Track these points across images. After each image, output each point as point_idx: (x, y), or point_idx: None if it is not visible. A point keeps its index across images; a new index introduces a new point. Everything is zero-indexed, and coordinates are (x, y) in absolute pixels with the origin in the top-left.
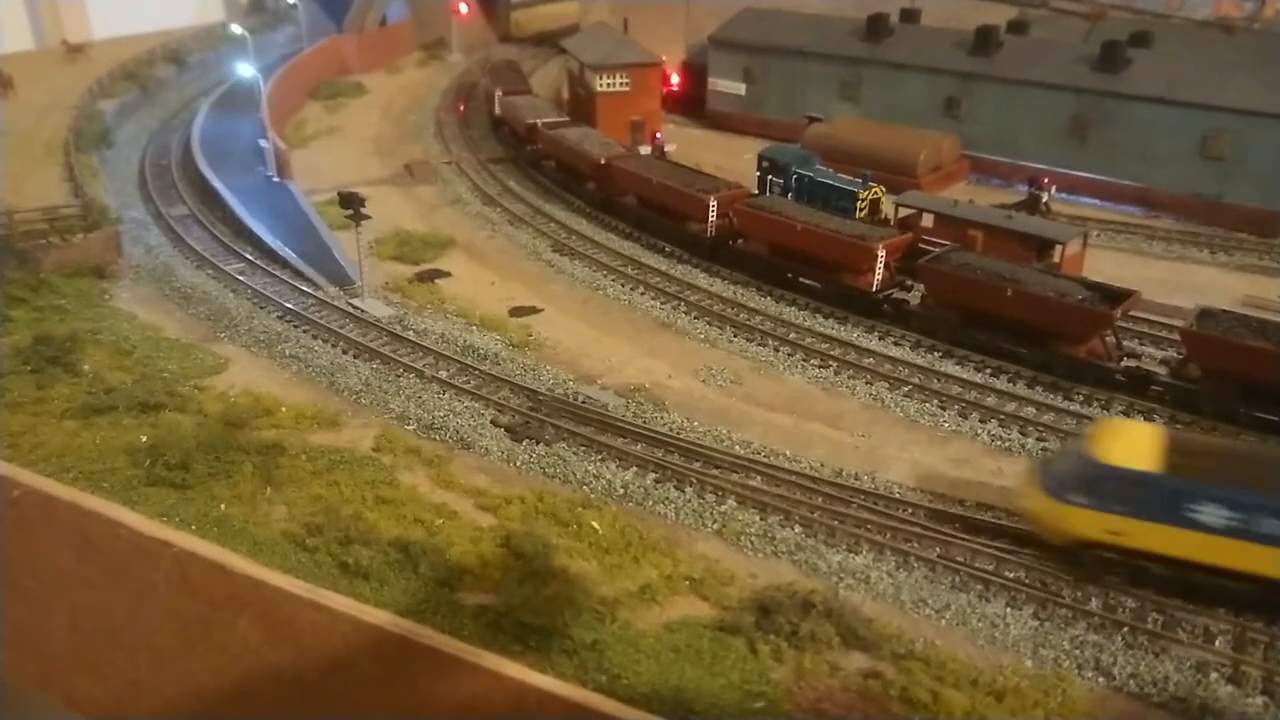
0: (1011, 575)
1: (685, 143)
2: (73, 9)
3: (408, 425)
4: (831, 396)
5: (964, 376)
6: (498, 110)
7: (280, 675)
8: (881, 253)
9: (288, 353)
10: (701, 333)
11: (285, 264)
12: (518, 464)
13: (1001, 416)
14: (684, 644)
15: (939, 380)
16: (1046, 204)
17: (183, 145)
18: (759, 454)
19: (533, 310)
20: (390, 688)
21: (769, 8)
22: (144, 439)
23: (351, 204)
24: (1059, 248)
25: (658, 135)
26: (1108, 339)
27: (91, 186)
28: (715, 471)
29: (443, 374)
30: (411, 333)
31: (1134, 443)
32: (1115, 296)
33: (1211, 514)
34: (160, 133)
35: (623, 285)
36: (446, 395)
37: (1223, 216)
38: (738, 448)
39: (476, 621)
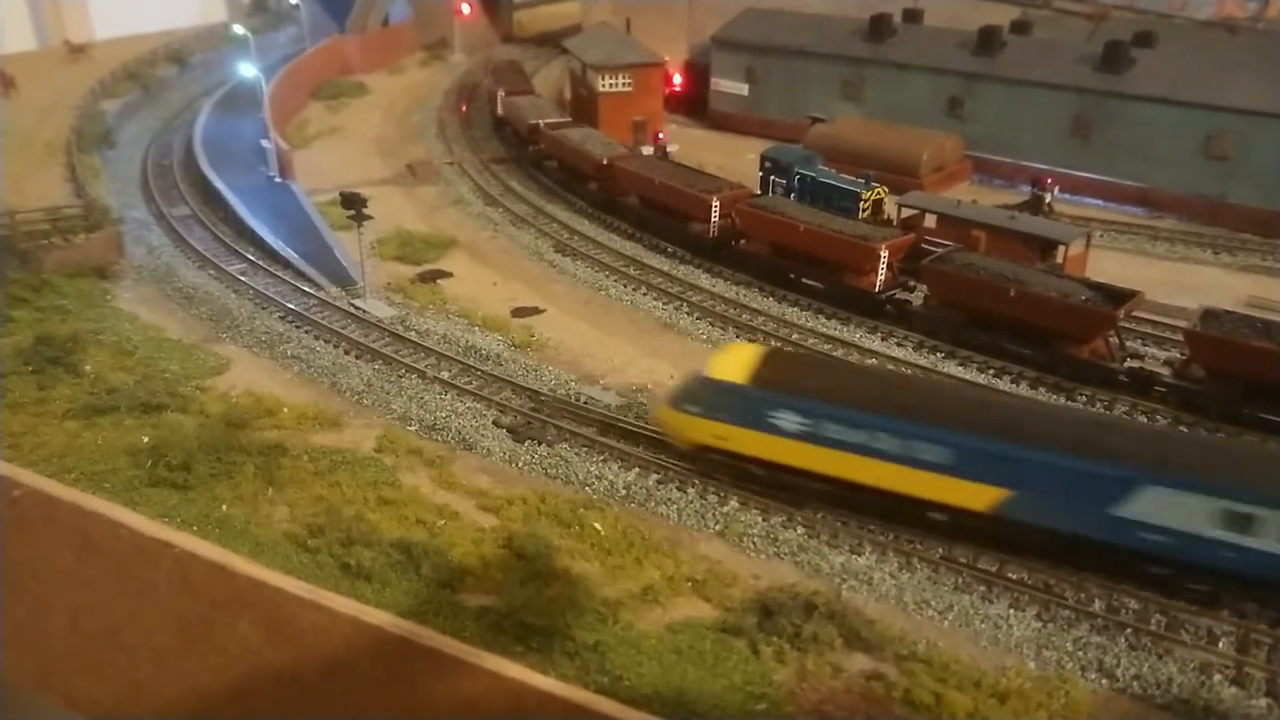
0: (1015, 576)
1: (687, 143)
2: (75, 9)
3: (410, 426)
4: None
5: (967, 378)
6: (500, 110)
7: (281, 676)
8: (884, 253)
9: (289, 353)
10: (704, 333)
11: (287, 264)
12: (520, 465)
13: None
14: (686, 645)
15: None
16: (1049, 204)
17: (185, 145)
18: None
19: (535, 311)
20: (391, 689)
21: (771, 8)
22: (146, 440)
23: (354, 204)
24: (1062, 248)
25: (660, 135)
26: (1111, 340)
27: (93, 187)
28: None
29: (445, 375)
30: (413, 333)
31: (737, 359)
32: (1118, 297)
33: (787, 420)
34: (162, 133)
35: (625, 286)
36: (448, 396)
37: (1226, 217)
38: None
39: (478, 623)
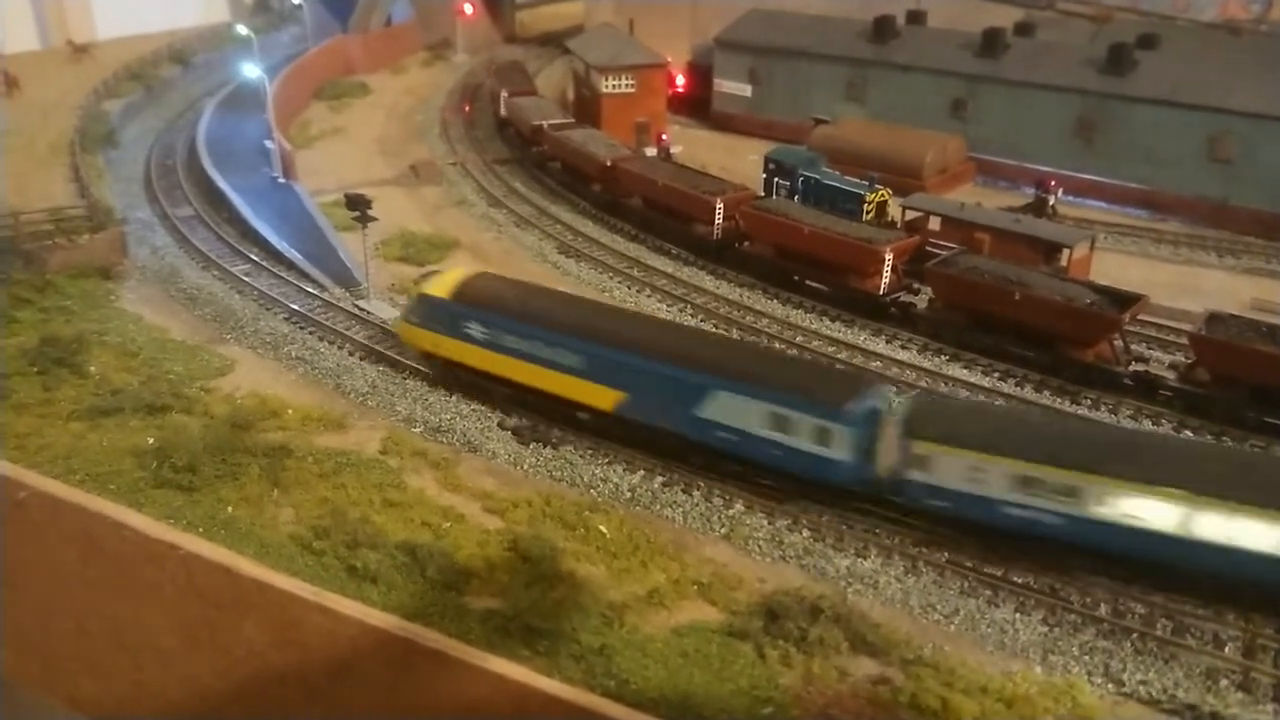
0: (1020, 580)
1: (690, 144)
2: (78, 9)
3: (414, 427)
4: None
5: (971, 380)
6: (503, 111)
7: (286, 678)
8: (889, 256)
9: (294, 354)
10: None
11: (291, 265)
12: (525, 467)
13: None
14: (692, 649)
15: (946, 384)
16: (1053, 207)
17: (188, 146)
18: None
19: None
20: (396, 691)
21: (775, 9)
22: (150, 441)
23: (358, 205)
24: (1066, 251)
25: (663, 137)
26: (1116, 343)
27: (97, 187)
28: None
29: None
30: None
31: (448, 279)
32: (1123, 300)
33: (475, 330)
34: (165, 133)
35: (629, 287)
36: (453, 397)
37: (1230, 219)
38: None
39: (484, 625)
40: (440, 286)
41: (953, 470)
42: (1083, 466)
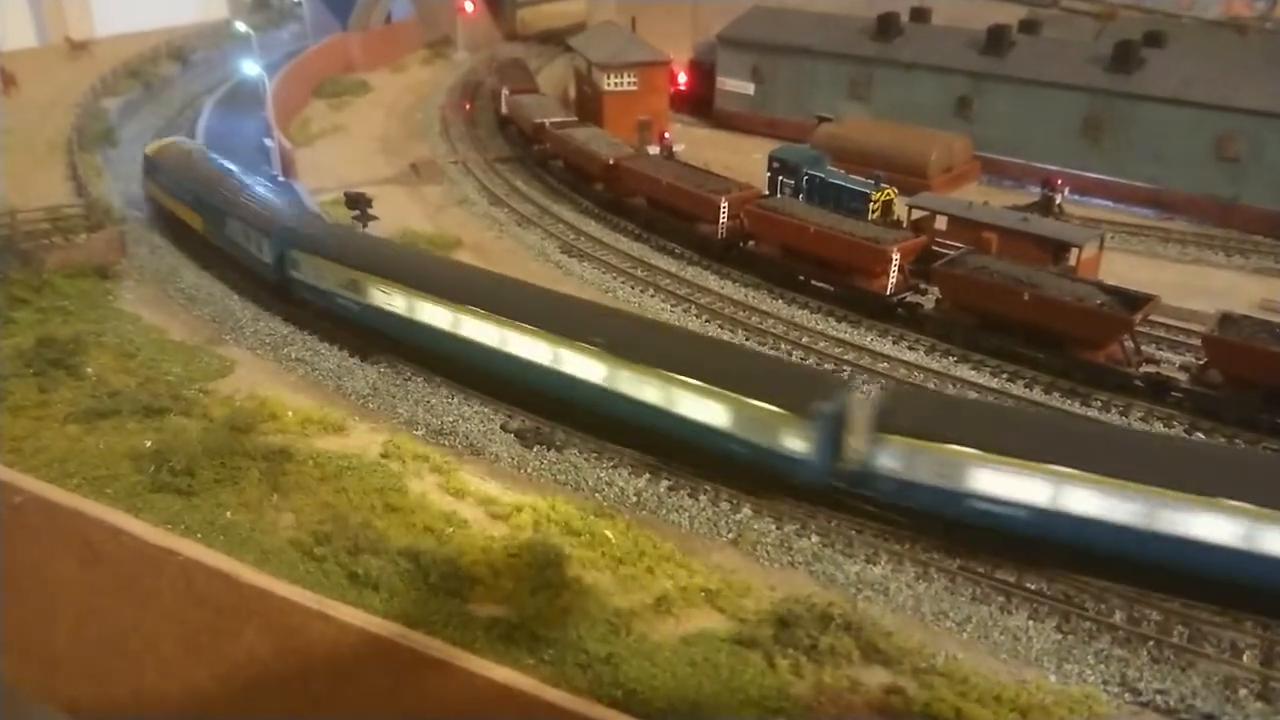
0: (1033, 587)
1: (693, 142)
2: (76, 6)
3: (416, 430)
4: None
5: (980, 381)
6: (504, 109)
7: (288, 685)
8: (896, 256)
9: (293, 355)
10: (713, 336)
11: None
12: (529, 470)
13: None
14: (701, 658)
15: (954, 385)
16: (1059, 206)
17: None
18: None
19: None
20: (399, 699)
21: (778, 6)
22: (148, 444)
23: (358, 204)
24: (1075, 251)
25: (666, 135)
26: (1127, 344)
27: (95, 185)
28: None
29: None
30: None
31: (160, 145)
32: (1134, 301)
33: (161, 179)
34: (164, 131)
35: (632, 287)
36: (455, 399)
37: (1238, 218)
38: None
39: (488, 633)
40: (152, 149)
41: (309, 271)
42: (361, 267)
